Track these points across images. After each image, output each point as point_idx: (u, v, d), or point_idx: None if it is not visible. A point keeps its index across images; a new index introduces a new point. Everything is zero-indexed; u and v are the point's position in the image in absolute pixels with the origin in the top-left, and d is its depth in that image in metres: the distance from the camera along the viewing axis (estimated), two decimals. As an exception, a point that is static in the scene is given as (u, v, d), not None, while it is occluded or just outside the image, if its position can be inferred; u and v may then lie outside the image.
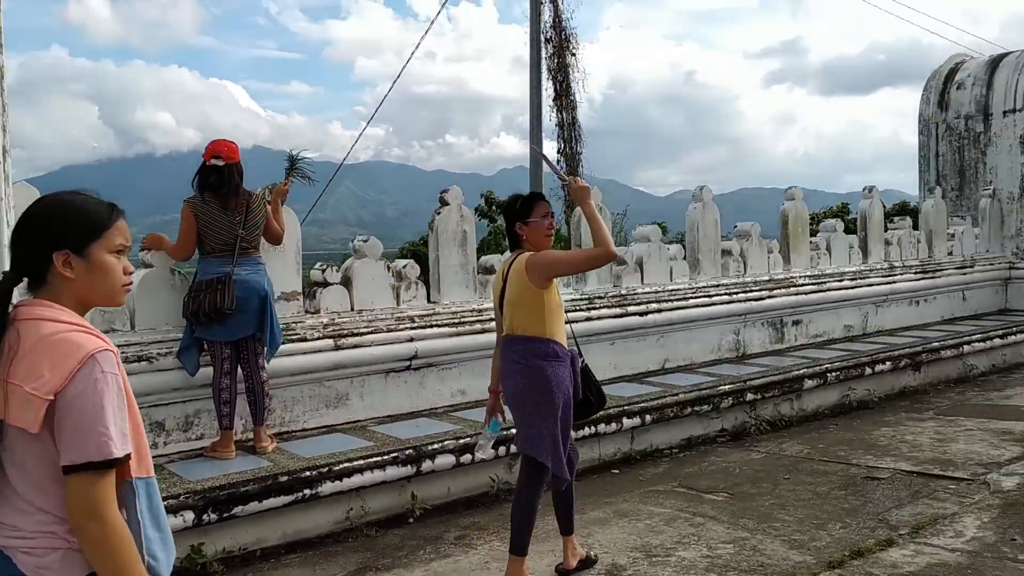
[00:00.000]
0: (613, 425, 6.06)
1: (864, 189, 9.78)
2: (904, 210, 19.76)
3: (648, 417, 6.31)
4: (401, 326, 5.92)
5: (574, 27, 14.36)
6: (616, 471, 6.06)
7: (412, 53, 14.98)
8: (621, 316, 7.19)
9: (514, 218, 3.94)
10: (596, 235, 3.73)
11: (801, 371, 7.42)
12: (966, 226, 10.62)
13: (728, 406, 6.83)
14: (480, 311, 6.42)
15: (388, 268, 6.02)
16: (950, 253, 10.41)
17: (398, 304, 6.06)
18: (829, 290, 8.81)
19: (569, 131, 14.42)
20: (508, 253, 4.26)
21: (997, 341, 9.31)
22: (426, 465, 5.13)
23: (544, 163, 4.47)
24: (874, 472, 5.80)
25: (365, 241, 5.88)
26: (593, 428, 5.92)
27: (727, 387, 6.84)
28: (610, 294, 7.28)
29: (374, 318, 5.85)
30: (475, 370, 6.35)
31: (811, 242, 9.00)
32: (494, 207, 19.93)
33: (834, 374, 7.60)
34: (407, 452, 5.07)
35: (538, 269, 3.78)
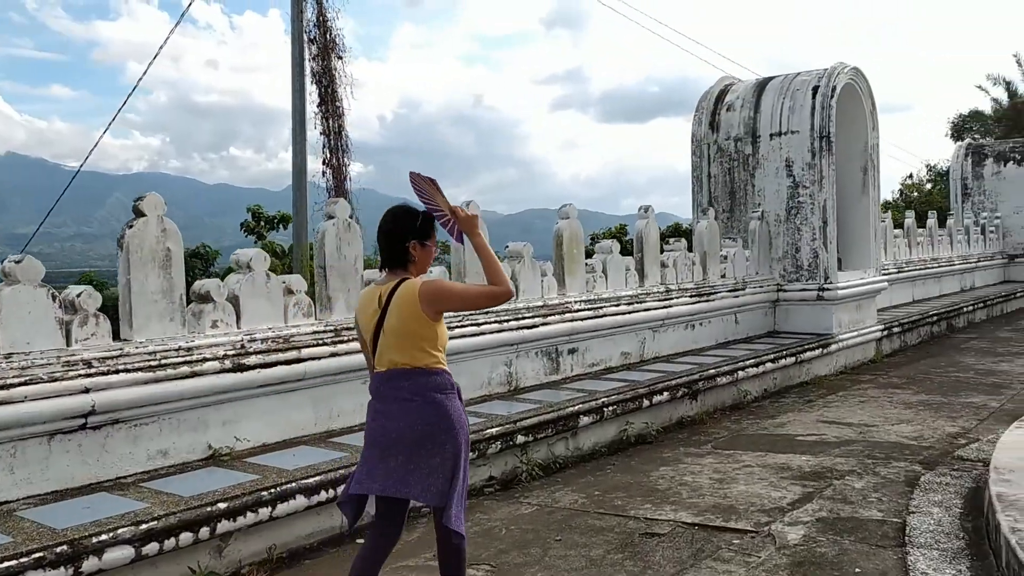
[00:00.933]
0: (357, 485, 4.98)
1: (640, 209, 9.38)
2: (678, 232, 20.23)
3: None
4: (72, 373, 4.53)
5: (340, 28, 13.20)
6: (362, 540, 4.98)
7: (160, 49, 13.27)
8: (375, 350, 6.14)
9: (411, 235, 3.45)
10: (492, 271, 3.40)
11: (577, 407, 6.70)
12: (737, 248, 10.55)
13: (497, 451, 5.97)
14: (190, 350, 5.13)
15: (54, 298, 4.60)
16: (723, 275, 10.27)
17: (69, 344, 4.65)
18: (606, 315, 8.23)
19: (335, 141, 13.23)
20: (379, 274, 3.62)
21: (769, 365, 9.16)
22: (89, 564, 3.80)
23: (417, 187, 3.57)
24: (653, 526, 5.11)
25: (17, 262, 4.43)
26: (329, 491, 4.82)
27: (495, 430, 5.97)
28: (361, 324, 6.21)
29: (30, 364, 4.42)
30: (182, 425, 5.06)
31: (587, 264, 8.40)
32: (263, 223, 18.24)
33: (611, 408, 6.96)
34: (59, 550, 3.72)
35: (435, 301, 3.38)
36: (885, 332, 11.83)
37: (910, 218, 15.51)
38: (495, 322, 7.08)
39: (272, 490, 4.59)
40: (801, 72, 11.14)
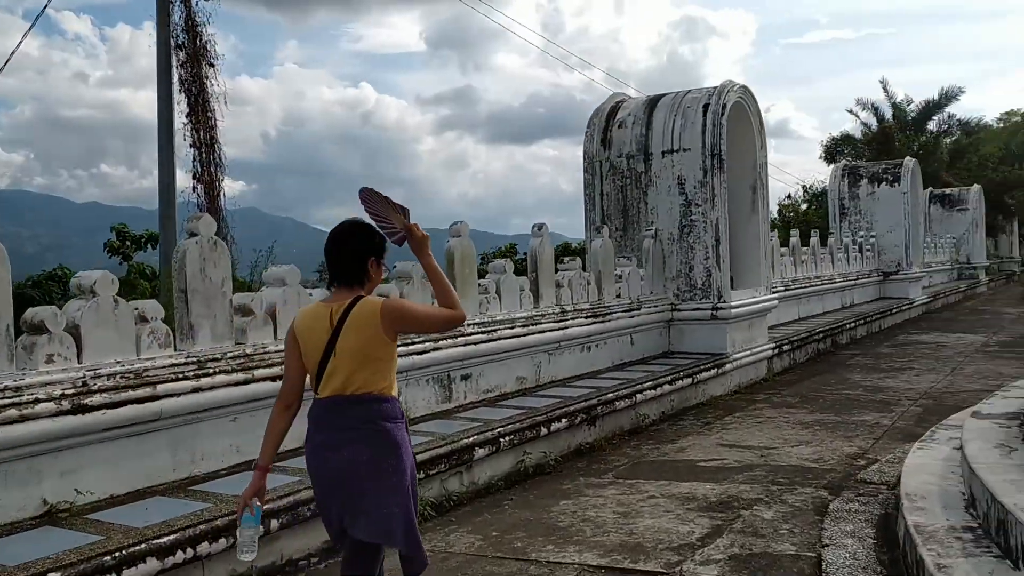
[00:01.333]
0: (222, 539, 4.34)
1: (534, 227, 9.01)
2: (567, 251, 20.09)
3: (277, 521, 4.68)
4: None
5: (212, 34, 12.29)
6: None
7: (10, 56, 12.16)
8: (246, 383, 5.49)
9: (370, 252, 3.26)
10: (446, 295, 3.27)
11: (472, 438, 6.23)
12: (632, 267, 10.34)
13: (383, 492, 5.40)
14: (19, 390, 4.38)
15: None
16: (618, 295, 10.02)
17: None
18: (500, 339, 7.80)
19: (207, 154, 12.30)
20: (322, 292, 3.36)
21: (666, 387, 8.93)
22: None
23: (368, 202, 3.38)
24: (557, 571, 4.67)
25: None
26: (188, 551, 4.17)
27: (382, 468, 5.41)
28: (229, 354, 5.54)
29: None
30: (10, 478, 4.34)
31: (480, 284, 7.95)
32: (128, 242, 16.99)
33: (508, 438, 6.52)
34: None
35: (397, 321, 3.19)
36: (776, 350, 11.87)
37: (795, 236, 15.81)
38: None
39: (116, 554, 3.91)
40: (692, 90, 11.09)
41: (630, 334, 10.09)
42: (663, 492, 6.16)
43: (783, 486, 6.19)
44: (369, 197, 3.31)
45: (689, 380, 9.43)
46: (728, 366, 10.37)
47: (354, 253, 3.22)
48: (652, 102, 11.22)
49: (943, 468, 5.26)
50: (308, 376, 3.24)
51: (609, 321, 9.56)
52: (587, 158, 11.36)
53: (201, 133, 12.06)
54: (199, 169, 12.21)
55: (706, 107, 10.62)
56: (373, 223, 3.31)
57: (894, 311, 18.48)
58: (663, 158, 10.82)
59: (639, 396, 8.39)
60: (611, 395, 8.01)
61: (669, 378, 9.06)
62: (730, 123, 10.82)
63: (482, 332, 7.61)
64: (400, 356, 6.65)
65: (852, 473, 6.49)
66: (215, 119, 12.28)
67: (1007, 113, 61.22)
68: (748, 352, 10.97)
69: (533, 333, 8.31)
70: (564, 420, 7.24)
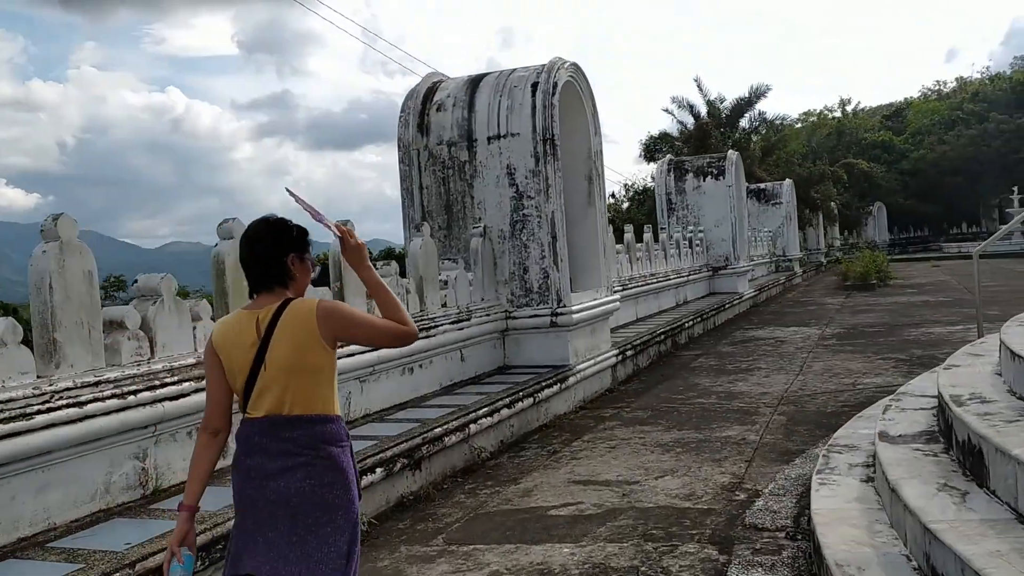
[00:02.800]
0: None
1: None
2: (390, 256, 18.44)
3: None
4: None
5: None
6: None
7: None
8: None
9: (289, 247, 2.78)
10: (393, 308, 2.77)
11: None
12: (459, 271, 8.87)
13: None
14: None
15: None
16: (444, 304, 8.52)
17: None
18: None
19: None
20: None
21: (504, 412, 7.52)
22: None
23: (297, 199, 2.83)
24: None
25: None
26: None
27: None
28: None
29: None
30: None
31: (265, 300, 6.19)
32: None
33: (301, 506, 4.83)
34: None
35: (336, 325, 2.71)
36: (620, 357, 10.77)
37: (629, 232, 14.93)
38: (114, 395, 4.66)
39: None
40: (517, 68, 9.77)
41: (460, 349, 8.61)
42: (510, 566, 4.69)
43: (660, 542, 4.88)
44: (295, 197, 2.84)
45: (530, 400, 8.07)
46: (571, 379, 9.11)
47: (271, 251, 2.76)
48: (474, 82, 9.81)
49: (864, 516, 4.10)
50: (235, 396, 2.78)
51: (434, 336, 8.03)
52: (402, 147, 9.78)
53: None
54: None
55: (535, 86, 9.32)
56: (307, 215, 2.83)
57: (727, 306, 18.11)
58: (489, 145, 9.43)
59: (473, 427, 6.93)
60: (439, 429, 6.48)
61: (507, 400, 7.65)
62: (562, 105, 9.58)
63: (268, 362, 5.86)
64: (143, 406, 4.81)
65: (736, 514, 5.29)
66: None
67: (805, 113, 65.38)
68: (592, 361, 9.77)
69: (341, 357, 6.63)
70: (380, 470, 5.65)
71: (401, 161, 9.77)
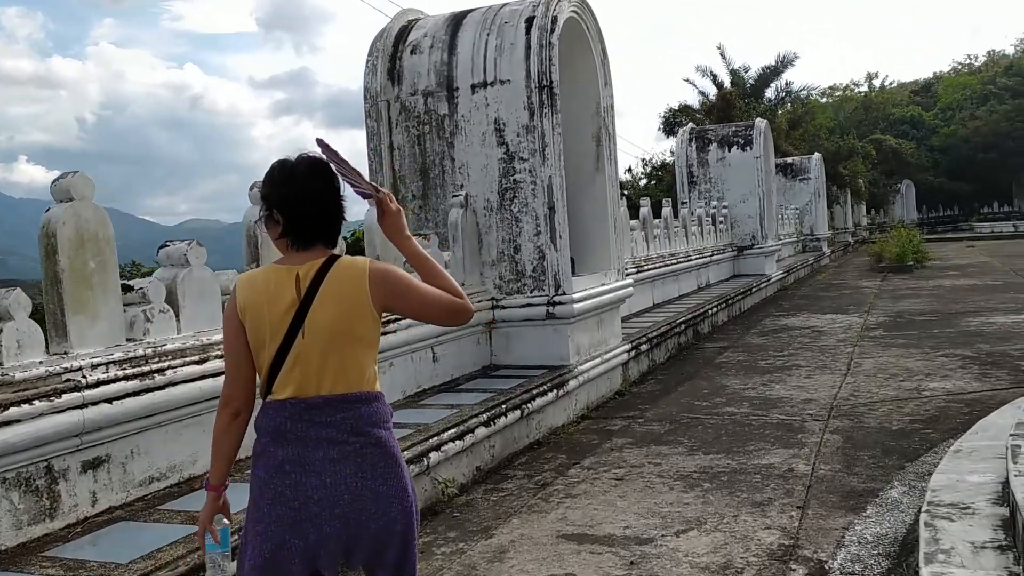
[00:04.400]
0: None
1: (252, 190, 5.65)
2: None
3: None
4: None
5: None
6: None
7: None
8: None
9: (342, 202, 2.42)
10: (448, 283, 2.41)
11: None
12: (432, 249, 7.15)
13: None
14: None
15: None
16: (412, 290, 6.82)
17: None
18: (172, 384, 4.41)
19: None
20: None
21: (481, 432, 5.84)
22: None
23: (335, 165, 2.37)
24: None
25: None
26: None
27: None
28: None
29: None
30: None
31: (136, 290, 4.49)
32: None
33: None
34: None
35: (390, 290, 2.35)
36: (632, 352, 9.07)
37: (646, 207, 13.15)
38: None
39: None
40: (510, 1, 8.00)
41: (431, 347, 6.93)
42: None
43: (683, 667, 3.20)
44: (327, 150, 2.36)
45: (517, 413, 6.39)
46: (572, 383, 7.42)
47: (331, 197, 2.34)
48: (457, 19, 8.05)
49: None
50: (258, 369, 2.34)
51: (395, 332, 6.33)
52: (369, 98, 8.05)
53: None
54: None
55: (530, 21, 7.56)
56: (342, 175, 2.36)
57: (754, 290, 16.33)
58: (474, 94, 7.69)
59: (435, 455, 5.26)
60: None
61: (486, 416, 5.97)
62: (564, 48, 7.83)
63: (134, 375, 4.18)
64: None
65: (797, 611, 3.61)
66: None
67: (831, 88, 62.98)
68: (598, 359, 8.07)
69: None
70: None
71: (368, 115, 8.04)
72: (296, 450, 2.29)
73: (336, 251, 2.39)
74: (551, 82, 7.46)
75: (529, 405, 6.59)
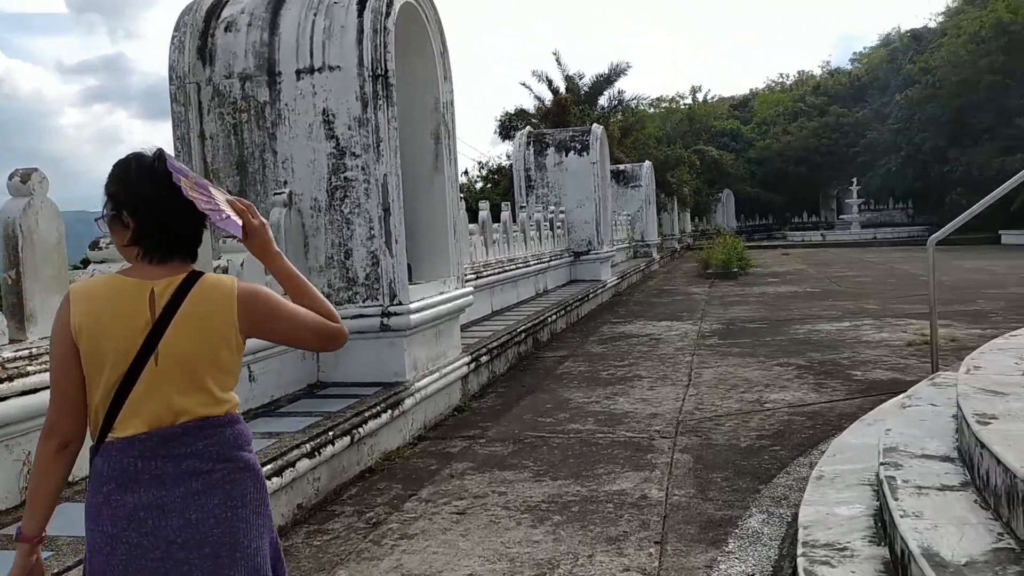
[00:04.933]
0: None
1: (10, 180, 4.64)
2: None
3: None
4: None
5: None
6: None
7: None
8: None
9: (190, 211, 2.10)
10: (322, 305, 2.22)
11: None
12: (247, 255, 6.28)
13: None
14: None
15: None
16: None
17: None
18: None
19: None
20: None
21: (303, 464, 5.09)
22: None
23: (174, 168, 1.95)
24: None
25: None
26: None
27: None
28: None
29: None
30: None
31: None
32: None
33: None
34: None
35: (259, 313, 2.12)
36: (473, 364, 8.52)
37: (485, 210, 12.68)
38: None
39: None
40: (342, -20, 7.24)
41: (247, 364, 6.08)
42: None
43: None
44: (177, 167, 2.02)
45: (347, 440, 5.68)
46: (409, 401, 6.77)
47: (184, 203, 2.02)
48: (281, -5, 7.21)
49: None
50: (90, 400, 2.01)
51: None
52: (176, 78, 7.06)
53: None
54: None
55: (363, 3, 6.85)
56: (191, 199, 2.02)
57: (591, 296, 16.26)
58: (300, 80, 6.90)
59: (246, 498, 4.45)
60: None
61: (310, 446, 5.22)
62: (401, 37, 7.18)
63: None
64: None
65: None
66: None
67: (658, 99, 65.55)
68: (436, 374, 7.47)
69: (10, 396, 4.00)
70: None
71: (174, 99, 7.05)
72: (152, 492, 2.00)
73: (197, 267, 2.12)
74: (386, 71, 6.79)
75: (361, 429, 5.89)
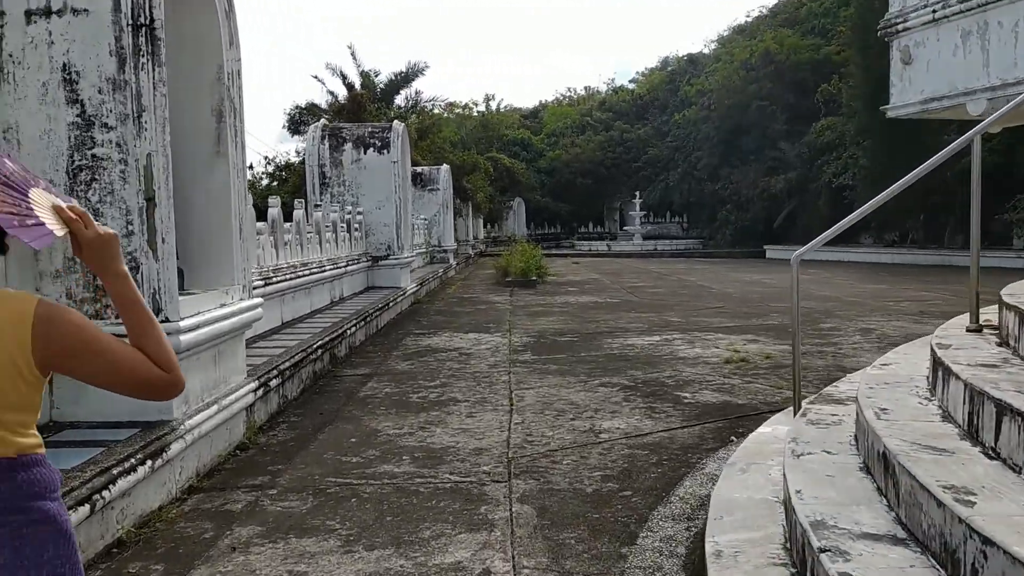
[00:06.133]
0: None
1: None
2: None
3: None
4: None
5: None
6: None
7: None
8: None
9: None
10: (158, 345, 1.91)
11: None
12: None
13: None
14: None
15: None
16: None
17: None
18: None
19: None
20: None
21: (83, 509, 3.54)
22: None
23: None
24: None
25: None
26: None
27: None
28: None
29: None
30: None
31: None
32: None
33: None
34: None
35: (61, 342, 1.77)
36: (261, 390, 7.09)
37: (276, 207, 11.13)
38: None
39: None
40: (95, -97, 5.61)
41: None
42: None
43: None
44: None
45: (86, 509, 4.15)
46: (176, 446, 5.29)
47: None
48: (8, -87, 5.46)
49: None
50: None
51: None
52: None
53: None
54: None
55: (124, -68, 5.29)
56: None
57: (391, 304, 15.04)
58: (30, 25, 5.22)
59: None
60: None
61: (92, 484, 3.67)
62: (175, -20, 5.69)
63: None
64: None
65: None
66: None
67: (452, 104, 65.27)
68: (215, 407, 6.01)
69: None
70: None
71: None
72: None
73: None
74: (151, 19, 5.27)
75: (106, 492, 4.38)
